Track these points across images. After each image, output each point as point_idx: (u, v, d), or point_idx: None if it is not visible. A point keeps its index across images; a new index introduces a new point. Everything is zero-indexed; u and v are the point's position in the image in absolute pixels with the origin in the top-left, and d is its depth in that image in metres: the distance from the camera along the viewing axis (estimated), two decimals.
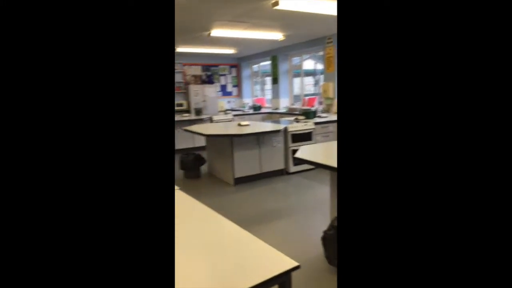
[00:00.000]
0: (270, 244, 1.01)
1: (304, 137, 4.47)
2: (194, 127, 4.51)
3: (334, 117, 5.10)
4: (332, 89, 5.88)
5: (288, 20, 4.50)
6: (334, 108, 5.79)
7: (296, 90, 7.45)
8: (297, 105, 6.99)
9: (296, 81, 7.39)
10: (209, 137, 3.80)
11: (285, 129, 4.32)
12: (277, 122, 4.92)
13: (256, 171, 4.12)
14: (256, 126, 4.35)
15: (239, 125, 4.45)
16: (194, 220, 1.27)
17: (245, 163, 4.01)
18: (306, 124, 4.51)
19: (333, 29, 5.37)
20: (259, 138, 4.09)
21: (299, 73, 7.20)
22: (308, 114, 4.94)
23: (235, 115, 6.80)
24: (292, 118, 5.16)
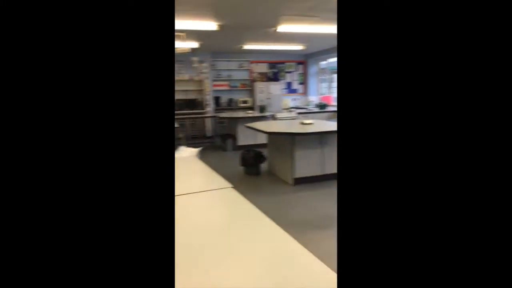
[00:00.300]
0: (322, 256, 0.88)
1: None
2: (256, 124, 4.48)
3: None
4: None
5: None
6: None
7: None
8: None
9: None
10: (270, 134, 3.73)
11: None
12: None
13: (317, 172, 3.92)
14: (320, 125, 4.14)
15: (302, 123, 4.29)
16: (240, 224, 1.19)
17: (306, 163, 3.85)
18: None
19: None
20: (322, 137, 3.88)
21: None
22: None
23: (299, 113, 6.62)
24: None
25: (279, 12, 4.02)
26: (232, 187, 1.58)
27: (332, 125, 4.08)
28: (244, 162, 4.37)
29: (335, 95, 7.63)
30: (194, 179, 1.89)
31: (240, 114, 6.40)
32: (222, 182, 1.69)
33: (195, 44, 6.05)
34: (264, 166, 4.55)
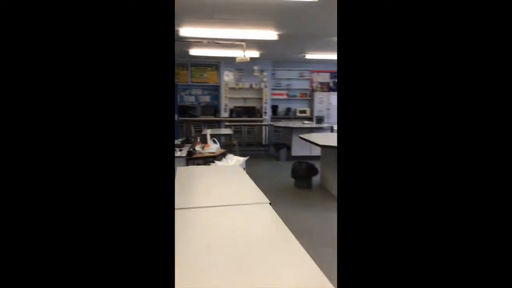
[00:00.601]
0: None
1: None
2: (310, 135, 4.34)
3: None
4: None
5: None
6: None
7: None
8: None
9: None
10: (322, 147, 3.56)
11: None
12: None
13: None
14: None
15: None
16: (263, 246, 1.10)
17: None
18: None
19: None
20: None
21: None
22: None
23: None
24: None
25: None
26: (269, 203, 1.49)
27: None
28: (295, 174, 4.25)
29: None
30: (228, 191, 1.78)
31: (296, 124, 6.28)
32: (260, 196, 1.61)
33: (255, 54, 6.14)
34: (316, 179, 4.36)
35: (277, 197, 3.85)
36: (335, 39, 4.77)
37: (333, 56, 6.44)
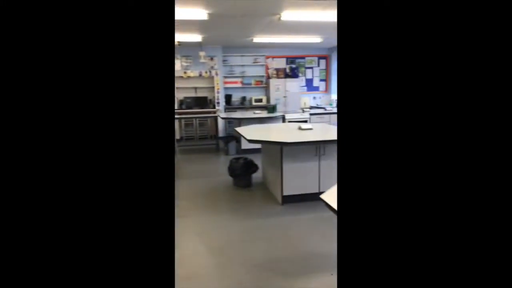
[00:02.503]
0: None
1: None
2: (242, 128, 3.84)
3: None
4: None
5: None
6: None
7: None
8: None
9: None
10: (250, 142, 3.09)
11: None
12: None
13: (312, 189, 3.20)
14: (320, 132, 3.41)
15: (300, 128, 3.59)
16: None
17: (297, 178, 3.15)
18: None
19: None
20: (319, 147, 3.16)
21: None
22: None
23: (312, 114, 5.85)
24: None
25: None
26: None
27: (336, 131, 3.32)
28: (232, 171, 3.76)
29: None
30: None
31: (247, 114, 5.79)
32: None
33: (198, 37, 5.55)
34: (257, 176, 3.91)
35: (206, 201, 3.37)
36: (276, 17, 4.26)
37: (285, 39, 5.95)
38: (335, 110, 6.16)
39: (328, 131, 3.47)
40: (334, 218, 2.71)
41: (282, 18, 4.21)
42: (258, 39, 5.92)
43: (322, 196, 1.24)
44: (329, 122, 5.63)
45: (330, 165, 3.20)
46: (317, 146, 3.14)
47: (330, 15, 4.09)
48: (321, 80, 7.60)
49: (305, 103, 7.04)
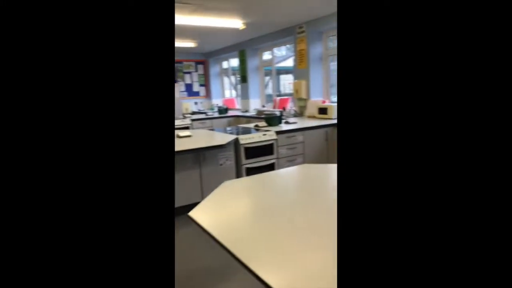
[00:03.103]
0: None
1: (263, 151, 3.49)
2: None
3: (306, 122, 4.13)
4: (305, 88, 4.91)
5: (246, 2, 3.52)
6: (308, 111, 4.82)
7: (273, 89, 6.49)
8: (269, 107, 6.02)
9: (276, 79, 6.42)
10: None
11: (236, 142, 3.33)
12: (238, 128, 3.92)
13: (195, 199, 3.12)
14: (200, 138, 3.36)
15: (178, 136, 3.45)
16: None
17: (179, 190, 3.02)
18: (265, 134, 3.53)
19: (305, 15, 4.39)
20: (199, 154, 3.10)
21: (279, 70, 6.23)
22: (271, 120, 3.95)
23: (194, 120, 5.78)
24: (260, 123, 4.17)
25: None
26: None
27: (215, 137, 3.32)
28: None
29: (238, 97, 7.00)
30: None
31: None
32: None
33: None
34: None
35: None
36: None
37: None
38: (216, 114, 6.23)
39: (208, 136, 3.44)
40: None
41: None
42: None
43: (191, 214, 1.17)
44: (211, 128, 5.65)
45: (211, 172, 3.18)
46: (197, 154, 3.07)
47: (198, 20, 4.08)
48: (200, 85, 7.59)
49: (186, 109, 6.89)
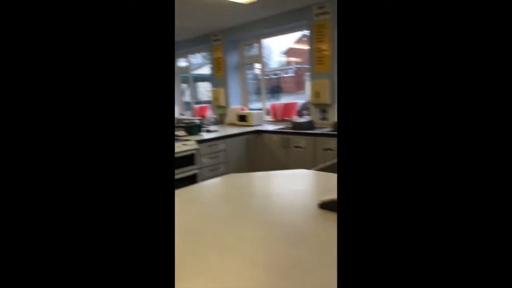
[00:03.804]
0: None
1: (183, 162, 3.34)
2: None
3: (227, 130, 4.11)
4: (223, 96, 4.91)
5: None
6: (228, 118, 4.83)
7: (194, 97, 6.32)
8: (188, 115, 5.86)
9: (193, 86, 6.26)
10: None
11: None
12: None
13: None
14: None
15: None
16: None
17: None
18: (185, 144, 3.38)
19: (220, 23, 4.39)
20: None
21: (196, 77, 6.08)
22: (191, 129, 3.82)
23: None
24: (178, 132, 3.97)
25: None
26: None
27: None
28: None
29: None
30: None
31: None
32: None
33: None
34: None
35: None
36: None
37: None
38: None
39: None
40: None
41: None
42: None
43: None
44: None
45: None
46: None
47: None
48: None
49: None
